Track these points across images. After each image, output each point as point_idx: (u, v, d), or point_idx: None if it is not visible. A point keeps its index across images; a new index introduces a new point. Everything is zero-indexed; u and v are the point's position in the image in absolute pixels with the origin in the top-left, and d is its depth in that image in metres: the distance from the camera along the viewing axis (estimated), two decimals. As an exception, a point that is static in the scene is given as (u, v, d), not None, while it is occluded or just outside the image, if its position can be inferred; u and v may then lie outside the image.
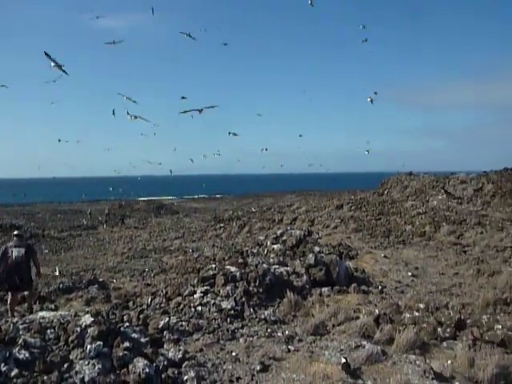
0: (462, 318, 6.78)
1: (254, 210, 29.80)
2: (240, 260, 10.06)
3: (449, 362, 5.28)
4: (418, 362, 5.10)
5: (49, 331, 5.06)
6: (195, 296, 7.77)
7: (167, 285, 9.54)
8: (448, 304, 7.86)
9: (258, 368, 4.90)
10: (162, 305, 7.77)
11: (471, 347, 5.74)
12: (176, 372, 4.79)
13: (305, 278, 9.50)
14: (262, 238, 16.93)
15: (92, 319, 5.30)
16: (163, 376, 4.65)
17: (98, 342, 4.80)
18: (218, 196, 71.33)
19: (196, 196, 71.49)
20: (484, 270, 10.91)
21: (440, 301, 8.16)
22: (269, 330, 6.27)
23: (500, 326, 6.30)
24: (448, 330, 6.30)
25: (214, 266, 9.75)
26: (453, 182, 23.51)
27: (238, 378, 4.73)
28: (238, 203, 51.86)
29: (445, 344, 5.95)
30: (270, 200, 46.44)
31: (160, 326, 6.15)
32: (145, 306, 7.82)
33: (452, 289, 9.83)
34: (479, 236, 14.57)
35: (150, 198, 59.20)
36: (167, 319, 6.40)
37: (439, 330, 6.27)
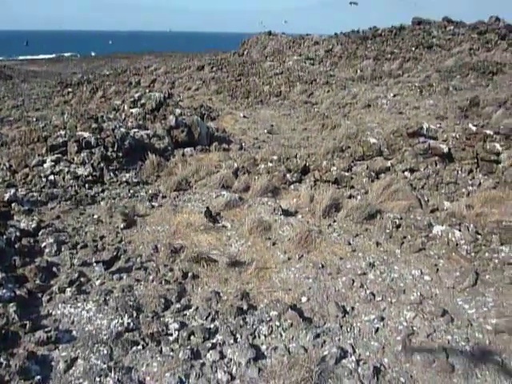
0: (307, 164, 7.77)
1: (107, 73, 26.73)
2: (94, 125, 9.29)
3: (294, 200, 6.16)
4: (269, 203, 5.81)
5: None
6: (45, 166, 7.10)
7: (10, 157, 8.43)
8: (297, 155, 8.80)
9: (122, 226, 4.98)
10: (7, 178, 6.94)
11: (312, 187, 6.73)
12: (32, 241, 4.56)
13: (167, 139, 9.40)
14: (118, 102, 15.63)
15: None
16: (17, 246, 4.39)
17: None
18: (63, 57, 60.99)
19: (34, 57, 59.79)
20: (327, 125, 12.31)
21: (290, 153, 9.07)
22: (131, 191, 6.25)
23: (335, 168, 7.45)
24: (295, 175, 7.21)
25: (63, 133, 8.83)
26: (307, 43, 24.35)
27: (102, 237, 4.76)
28: (87, 66, 45.66)
29: (292, 187, 6.85)
30: (125, 62, 41.93)
31: (6, 198, 5.55)
32: (-16, 182, 6.89)
33: (301, 142, 10.98)
34: (326, 94, 15.99)
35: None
36: (14, 191, 5.79)
37: (288, 175, 7.13)
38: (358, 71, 18.81)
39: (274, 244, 4.76)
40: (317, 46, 23.65)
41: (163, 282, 3.93)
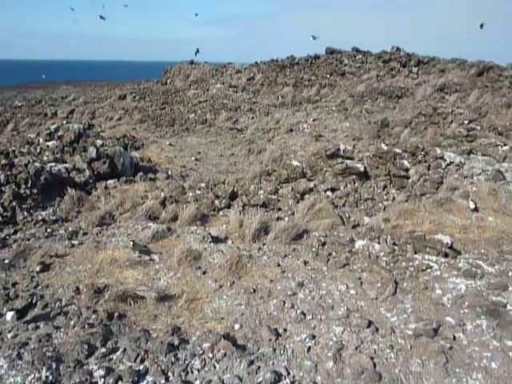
0: (235, 190, 7.85)
1: (19, 104, 25.02)
2: (4, 161, 8.59)
3: (224, 226, 6.16)
4: (198, 231, 5.75)
5: None
6: None
7: None
8: (225, 181, 8.87)
9: (38, 269, 4.59)
10: None
11: (241, 212, 6.79)
12: None
13: (87, 172, 8.95)
14: (32, 135, 14.67)
15: None
16: None
17: None
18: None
19: None
20: (253, 150, 12.62)
21: (218, 179, 9.12)
22: (49, 230, 5.82)
23: (262, 192, 7.62)
24: (223, 201, 7.24)
25: (-33, 171, 8.03)
26: (230, 72, 25.02)
27: (15, 284, 4.35)
28: (-4, 97, 42.40)
29: (221, 213, 6.86)
30: (39, 92, 39.56)
31: None
32: None
33: (229, 168, 11.11)
34: (250, 121, 16.45)
35: None
36: None
37: (216, 202, 7.14)
38: (280, 98, 19.66)
39: (204, 273, 4.70)
40: (239, 74, 24.37)
41: (86, 325, 3.67)
